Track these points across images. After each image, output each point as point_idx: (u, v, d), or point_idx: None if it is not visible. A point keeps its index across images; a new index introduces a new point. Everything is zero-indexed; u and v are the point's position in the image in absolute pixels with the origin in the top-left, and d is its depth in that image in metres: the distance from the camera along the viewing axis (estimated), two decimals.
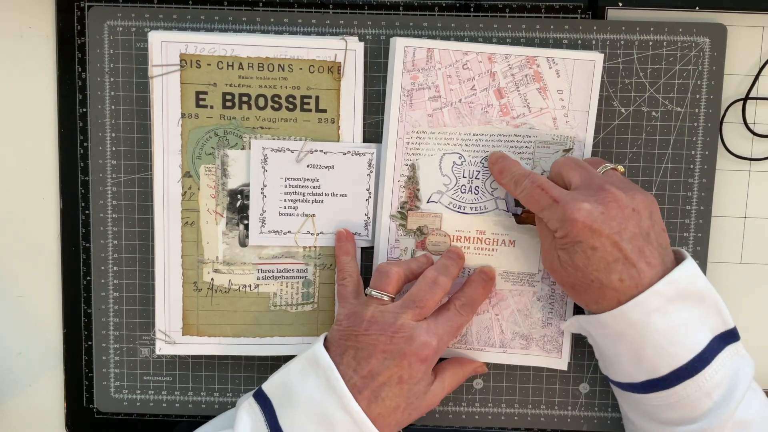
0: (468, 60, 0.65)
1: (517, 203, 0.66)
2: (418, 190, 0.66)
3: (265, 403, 0.60)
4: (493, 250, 0.67)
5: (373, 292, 0.62)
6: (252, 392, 0.62)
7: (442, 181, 0.66)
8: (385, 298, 0.61)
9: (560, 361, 0.68)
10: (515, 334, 0.67)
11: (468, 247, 0.67)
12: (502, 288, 0.67)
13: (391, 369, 0.59)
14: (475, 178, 0.66)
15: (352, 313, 0.61)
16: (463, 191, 0.66)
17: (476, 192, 0.66)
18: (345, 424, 0.58)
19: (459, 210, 0.66)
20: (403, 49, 0.64)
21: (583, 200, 0.57)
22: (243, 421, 0.60)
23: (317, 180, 0.66)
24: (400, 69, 0.65)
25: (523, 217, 0.66)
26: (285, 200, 0.65)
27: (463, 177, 0.66)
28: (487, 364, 0.68)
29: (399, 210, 0.67)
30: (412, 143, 0.66)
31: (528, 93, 0.65)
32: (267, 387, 0.61)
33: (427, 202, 0.67)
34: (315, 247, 0.67)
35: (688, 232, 0.67)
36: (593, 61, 0.64)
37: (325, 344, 0.61)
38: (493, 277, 0.66)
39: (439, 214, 0.67)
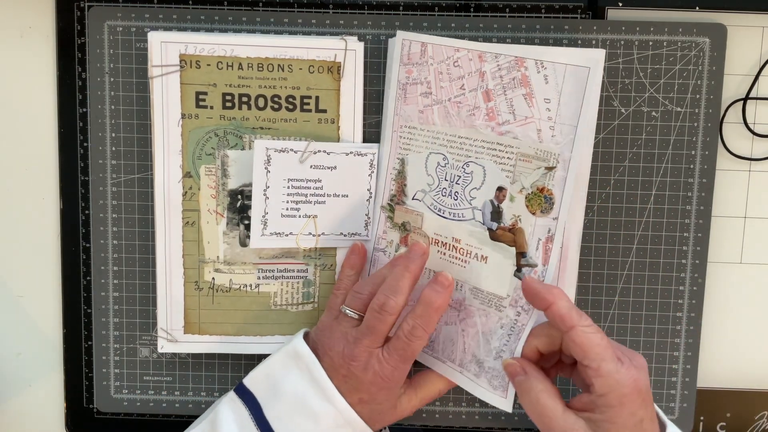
0: (459, 57, 0.62)
1: (493, 217, 0.62)
2: (405, 185, 0.65)
3: (247, 397, 0.61)
4: (465, 261, 0.63)
5: (347, 311, 0.62)
6: (232, 389, 0.62)
7: (426, 180, 0.65)
8: (356, 317, 0.61)
9: (505, 402, 0.61)
10: (473, 357, 0.63)
11: (444, 253, 0.64)
12: (471, 304, 0.64)
13: (351, 391, 0.60)
14: (456, 183, 0.63)
15: (327, 326, 0.62)
16: (443, 194, 0.64)
17: (455, 197, 0.63)
18: (329, 415, 0.59)
19: (439, 213, 0.64)
20: (401, 42, 0.64)
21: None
22: (225, 415, 0.60)
23: (320, 180, 0.65)
24: (397, 62, 0.64)
25: (498, 233, 0.62)
26: (287, 201, 0.65)
27: (445, 180, 0.64)
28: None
29: (388, 202, 0.66)
30: (404, 138, 0.65)
31: (514, 98, 0.60)
32: (248, 381, 0.62)
33: (412, 199, 0.65)
34: (316, 247, 0.67)
35: (688, 232, 0.67)
36: (587, 68, 0.57)
37: (305, 340, 0.62)
38: (448, 285, 0.61)
39: (421, 213, 0.65)
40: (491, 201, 0.62)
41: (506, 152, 0.61)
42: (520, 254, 0.61)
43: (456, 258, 0.63)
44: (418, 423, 0.70)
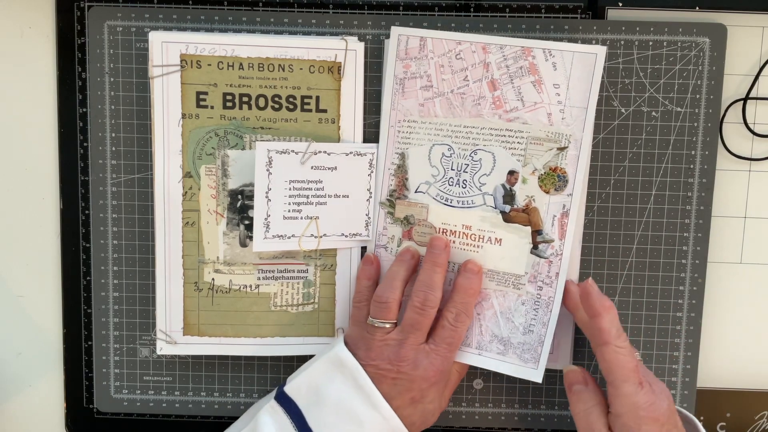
0: (461, 50, 0.63)
1: (506, 200, 0.64)
2: (406, 179, 0.66)
3: (289, 405, 0.60)
4: (478, 246, 0.65)
5: (376, 323, 0.62)
6: (272, 395, 0.62)
7: (430, 172, 0.65)
8: (388, 326, 0.62)
9: (536, 373, 0.64)
10: (494, 337, 0.65)
11: (453, 242, 0.65)
12: (486, 287, 0.65)
13: (402, 393, 0.60)
14: (464, 172, 0.64)
15: (361, 337, 0.63)
16: (450, 184, 0.65)
17: (464, 186, 0.65)
18: (375, 422, 0.59)
19: (446, 202, 0.65)
20: (397, 37, 0.64)
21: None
22: (266, 423, 0.60)
23: (321, 181, 0.65)
24: (393, 57, 0.64)
25: (511, 215, 0.64)
26: (289, 203, 0.65)
27: (452, 169, 0.65)
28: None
29: (388, 198, 0.66)
30: (403, 132, 0.65)
31: (522, 86, 0.63)
32: (289, 389, 0.61)
33: (415, 191, 0.66)
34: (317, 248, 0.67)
35: (688, 232, 0.67)
36: (594, 54, 0.62)
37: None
38: (478, 271, 0.64)
39: (426, 204, 0.65)
40: (503, 185, 0.64)
41: (516, 137, 0.63)
42: (536, 232, 0.64)
43: (467, 245, 0.65)
44: None
